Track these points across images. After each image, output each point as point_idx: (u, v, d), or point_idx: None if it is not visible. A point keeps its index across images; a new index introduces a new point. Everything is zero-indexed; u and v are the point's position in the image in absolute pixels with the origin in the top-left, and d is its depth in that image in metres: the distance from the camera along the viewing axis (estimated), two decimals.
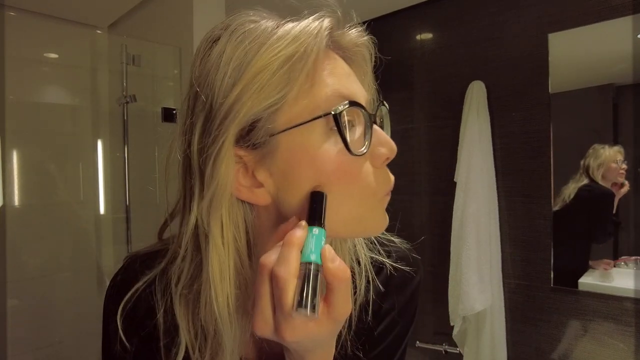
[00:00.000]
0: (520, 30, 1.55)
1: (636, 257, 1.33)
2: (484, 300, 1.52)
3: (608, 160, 1.40)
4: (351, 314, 0.46)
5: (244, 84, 0.37)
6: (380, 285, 0.49)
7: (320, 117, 0.38)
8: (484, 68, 1.64)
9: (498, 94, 1.61)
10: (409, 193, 1.89)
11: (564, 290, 1.46)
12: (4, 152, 1.66)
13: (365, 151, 0.39)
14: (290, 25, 0.40)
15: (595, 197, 1.43)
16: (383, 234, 0.54)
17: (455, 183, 1.62)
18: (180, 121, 0.42)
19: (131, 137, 1.69)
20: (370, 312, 0.48)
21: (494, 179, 1.60)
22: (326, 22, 0.40)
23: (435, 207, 1.81)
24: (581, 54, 1.43)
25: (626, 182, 1.36)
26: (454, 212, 1.62)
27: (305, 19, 0.40)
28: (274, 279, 0.34)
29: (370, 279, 0.49)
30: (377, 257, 0.52)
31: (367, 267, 0.49)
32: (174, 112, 1.60)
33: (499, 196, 1.60)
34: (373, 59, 0.45)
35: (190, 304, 0.42)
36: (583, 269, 1.42)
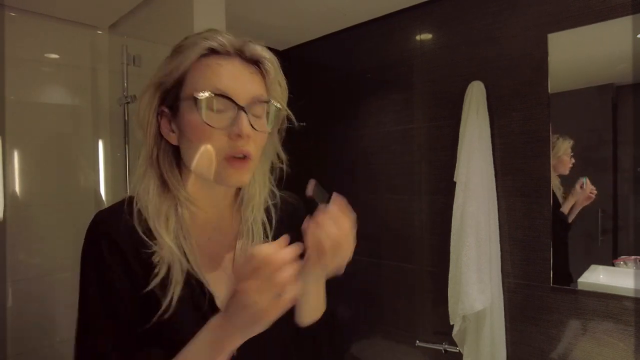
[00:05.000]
0: (520, 31, 1.55)
1: (636, 256, 1.33)
2: (483, 299, 1.52)
3: (561, 153, 1.46)
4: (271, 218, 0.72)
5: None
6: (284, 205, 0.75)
7: (191, 98, 0.58)
8: (484, 68, 1.64)
9: (498, 94, 1.61)
10: (409, 193, 1.89)
11: (564, 290, 1.47)
12: (4, 152, 1.66)
13: (219, 127, 0.58)
14: (191, 39, 0.62)
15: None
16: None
17: (455, 183, 1.63)
18: None
19: (132, 137, 1.69)
20: (274, 214, 0.72)
21: (494, 178, 1.60)
22: (210, 34, 0.61)
23: (435, 207, 1.81)
24: (581, 54, 1.43)
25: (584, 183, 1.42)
26: (453, 212, 1.62)
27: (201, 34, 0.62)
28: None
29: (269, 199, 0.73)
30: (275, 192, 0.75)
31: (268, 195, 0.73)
32: None
33: (498, 196, 1.61)
34: (275, 70, 0.63)
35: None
36: (582, 269, 1.43)
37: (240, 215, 0.69)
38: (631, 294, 1.33)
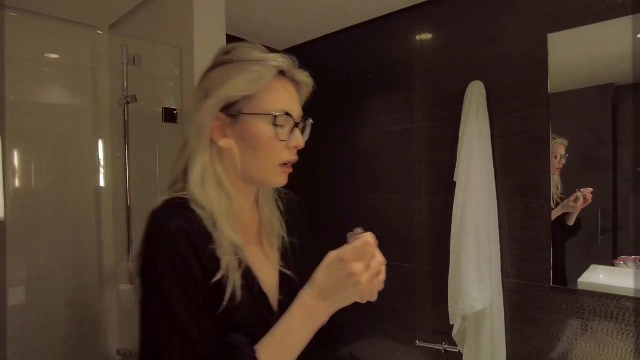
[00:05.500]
0: (520, 31, 1.55)
1: (635, 256, 1.33)
2: (483, 299, 1.52)
3: (553, 152, 1.48)
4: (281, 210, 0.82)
5: (230, 81, 0.68)
6: (285, 197, 0.86)
7: (267, 114, 0.68)
8: (484, 68, 1.65)
9: (497, 94, 1.61)
10: (409, 193, 1.90)
11: (564, 290, 1.47)
12: (4, 152, 1.66)
13: (285, 140, 0.69)
14: (259, 54, 0.69)
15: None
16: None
17: (455, 183, 1.63)
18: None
19: (132, 137, 1.69)
20: (282, 209, 0.83)
21: (494, 178, 1.60)
22: (280, 60, 0.69)
23: (435, 207, 1.81)
24: (581, 54, 1.43)
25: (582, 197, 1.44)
26: (453, 212, 1.62)
27: (270, 54, 0.69)
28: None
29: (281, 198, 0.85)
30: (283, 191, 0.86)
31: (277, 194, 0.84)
32: (175, 112, 1.61)
33: (498, 196, 1.61)
34: (309, 92, 0.75)
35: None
36: (582, 269, 1.43)
37: (259, 209, 0.79)
38: (631, 294, 1.33)
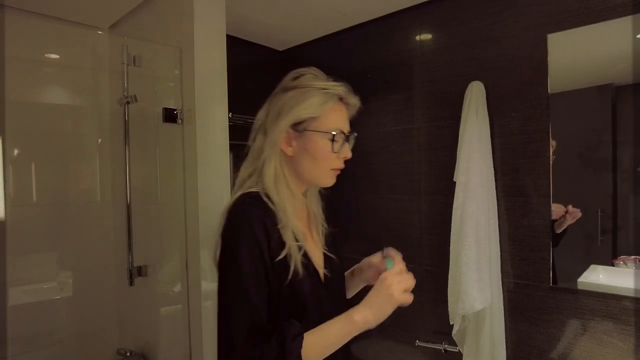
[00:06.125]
0: (520, 31, 1.55)
1: (635, 256, 1.34)
2: (483, 299, 1.52)
3: None
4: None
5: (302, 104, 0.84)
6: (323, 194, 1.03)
7: (327, 132, 0.85)
8: (484, 68, 1.65)
9: (497, 94, 1.61)
10: (409, 193, 1.90)
11: (564, 290, 1.47)
12: (4, 152, 1.66)
13: (338, 152, 0.87)
14: (323, 82, 0.86)
15: None
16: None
17: (454, 183, 1.63)
18: (262, 113, 0.89)
19: (132, 137, 1.69)
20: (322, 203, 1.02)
21: (494, 178, 1.60)
22: (340, 89, 0.87)
23: (434, 207, 1.81)
24: (581, 54, 1.43)
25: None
26: (453, 212, 1.62)
27: (331, 81, 0.88)
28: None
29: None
30: None
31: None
32: (175, 112, 1.61)
33: (498, 196, 1.61)
34: (356, 111, 0.92)
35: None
36: (582, 269, 1.43)
37: (307, 203, 0.96)
38: (631, 294, 1.33)
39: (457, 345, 1.67)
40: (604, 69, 1.38)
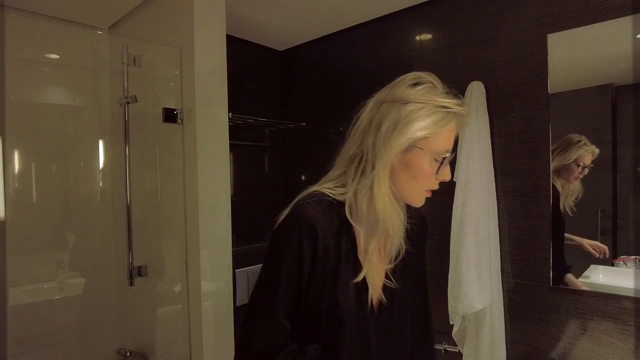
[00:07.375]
0: (520, 31, 1.55)
1: (635, 256, 1.34)
2: (483, 299, 1.52)
3: (573, 159, 1.40)
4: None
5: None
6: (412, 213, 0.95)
7: (433, 153, 0.77)
8: (483, 68, 1.65)
9: (497, 94, 1.61)
10: None
11: (563, 290, 1.47)
12: (4, 152, 1.66)
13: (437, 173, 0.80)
14: (444, 100, 0.78)
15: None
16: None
17: (454, 183, 1.63)
18: (362, 124, 0.84)
19: (132, 137, 1.69)
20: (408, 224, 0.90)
21: (493, 178, 1.60)
22: (462, 110, 0.78)
23: (434, 207, 1.81)
24: (580, 54, 1.43)
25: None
26: (453, 212, 1.62)
27: (451, 96, 0.79)
28: None
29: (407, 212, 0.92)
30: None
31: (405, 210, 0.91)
32: (175, 112, 1.61)
33: (498, 196, 1.61)
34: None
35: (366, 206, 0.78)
36: (582, 268, 1.43)
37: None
38: (631, 294, 1.33)
39: (457, 345, 1.67)
40: (604, 69, 1.38)
